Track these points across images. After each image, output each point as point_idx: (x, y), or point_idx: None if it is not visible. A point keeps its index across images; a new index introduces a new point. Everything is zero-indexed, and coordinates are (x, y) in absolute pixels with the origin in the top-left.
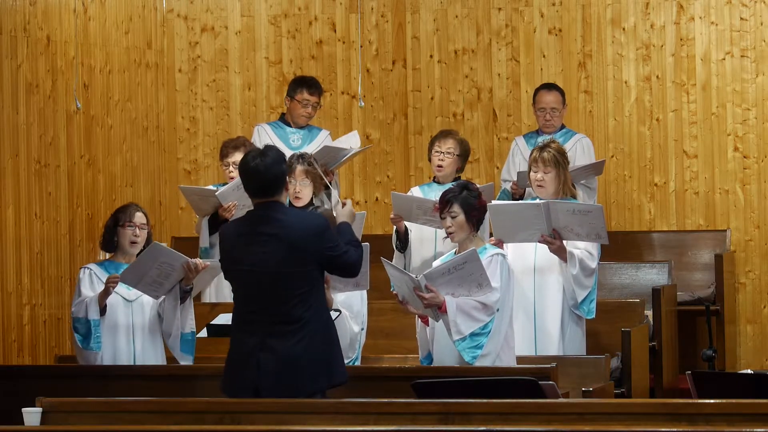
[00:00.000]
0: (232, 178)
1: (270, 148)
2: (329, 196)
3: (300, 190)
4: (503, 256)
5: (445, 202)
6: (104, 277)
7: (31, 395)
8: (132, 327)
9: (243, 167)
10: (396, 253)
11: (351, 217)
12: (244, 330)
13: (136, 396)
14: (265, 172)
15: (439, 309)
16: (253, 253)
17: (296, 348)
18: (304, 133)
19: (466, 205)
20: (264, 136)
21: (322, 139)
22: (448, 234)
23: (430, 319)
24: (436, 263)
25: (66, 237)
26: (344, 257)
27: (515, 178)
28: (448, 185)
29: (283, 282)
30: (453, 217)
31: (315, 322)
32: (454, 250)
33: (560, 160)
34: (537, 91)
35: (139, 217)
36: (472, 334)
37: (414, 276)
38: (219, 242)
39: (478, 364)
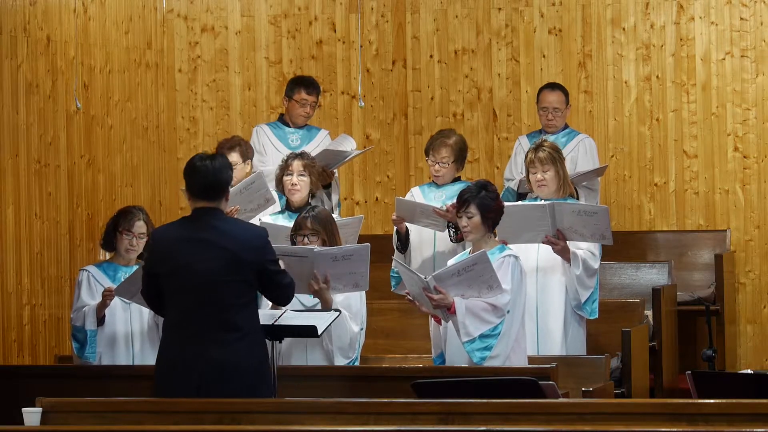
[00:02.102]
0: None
1: (220, 155)
2: (329, 195)
3: (297, 183)
4: (515, 257)
5: (462, 201)
6: (102, 280)
7: (31, 395)
8: (130, 331)
9: (189, 166)
10: (396, 253)
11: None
12: (182, 336)
13: (136, 396)
14: (211, 175)
15: (448, 310)
16: (197, 260)
17: (235, 356)
18: (303, 133)
19: (483, 206)
20: (263, 136)
21: (321, 139)
22: (464, 233)
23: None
24: (450, 263)
25: (66, 237)
26: (281, 276)
27: (518, 177)
28: (448, 186)
29: (224, 290)
30: (469, 218)
31: (254, 332)
32: (468, 249)
33: (556, 157)
34: (540, 90)
35: (138, 227)
36: (482, 336)
37: (423, 277)
38: (153, 246)
39: (486, 365)
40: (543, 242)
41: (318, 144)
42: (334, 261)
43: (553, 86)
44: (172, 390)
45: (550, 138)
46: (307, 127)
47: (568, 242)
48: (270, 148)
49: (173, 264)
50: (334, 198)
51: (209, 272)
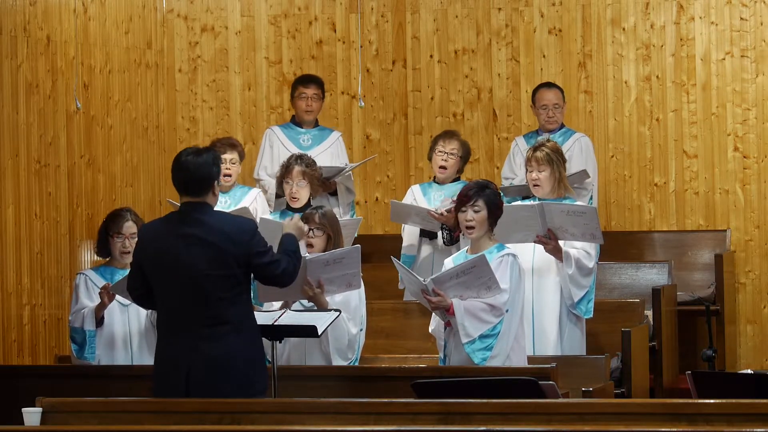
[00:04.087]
0: (227, 176)
1: (207, 150)
2: (338, 201)
3: (297, 191)
4: (514, 256)
5: (469, 196)
6: (99, 283)
7: (31, 395)
8: (129, 332)
9: (175, 162)
10: (403, 250)
11: (298, 233)
12: (173, 332)
13: (136, 396)
14: (195, 170)
15: (447, 311)
16: (183, 254)
17: (226, 351)
18: (315, 133)
19: (490, 202)
20: (273, 138)
21: (333, 140)
22: (468, 228)
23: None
24: (447, 261)
25: (66, 237)
26: (272, 267)
27: (516, 177)
28: (448, 185)
29: (211, 284)
30: (476, 212)
31: (244, 325)
32: (466, 248)
33: (554, 158)
34: (536, 90)
35: (127, 228)
36: (482, 336)
37: (422, 279)
38: (139, 243)
39: (487, 364)
40: (534, 242)
41: (330, 145)
42: (326, 266)
43: (549, 84)
44: (166, 386)
45: (548, 136)
46: (320, 127)
47: (564, 242)
48: (282, 149)
49: (160, 260)
50: (342, 202)
51: (195, 267)
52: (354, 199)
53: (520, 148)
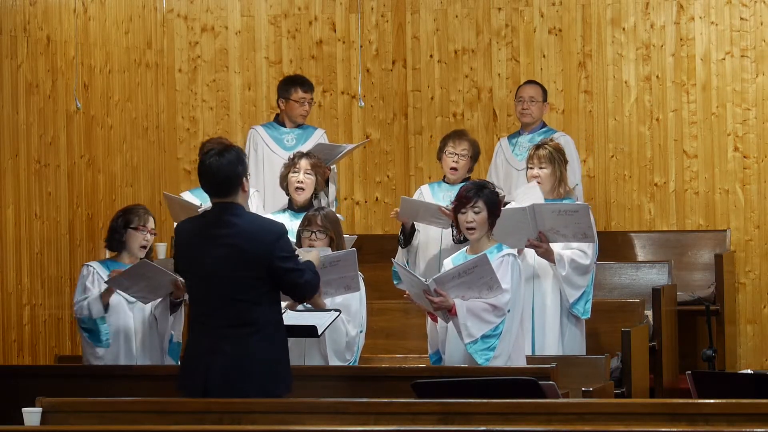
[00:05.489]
0: None
1: (231, 148)
2: (327, 193)
3: (303, 181)
4: (514, 256)
5: (468, 197)
6: (106, 276)
7: (31, 395)
8: (133, 328)
9: (200, 165)
10: (398, 253)
11: (316, 261)
12: (198, 330)
13: (136, 396)
14: (217, 172)
15: (449, 312)
16: (207, 255)
17: (246, 352)
18: (299, 132)
19: (490, 202)
20: (257, 138)
21: (317, 138)
22: (469, 230)
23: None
24: (446, 262)
25: (66, 237)
26: (295, 274)
27: (495, 181)
28: (458, 186)
29: (236, 286)
30: (476, 213)
31: (267, 327)
32: (465, 248)
33: (557, 157)
34: (518, 87)
35: (151, 223)
36: (484, 336)
37: (424, 279)
38: (175, 241)
39: (490, 365)
40: (526, 246)
41: (314, 143)
42: (322, 268)
43: (530, 81)
44: (186, 382)
45: (527, 135)
46: (303, 126)
47: (558, 244)
48: (266, 150)
49: (189, 259)
50: (332, 194)
51: (220, 269)
52: (335, 194)
53: (502, 148)
